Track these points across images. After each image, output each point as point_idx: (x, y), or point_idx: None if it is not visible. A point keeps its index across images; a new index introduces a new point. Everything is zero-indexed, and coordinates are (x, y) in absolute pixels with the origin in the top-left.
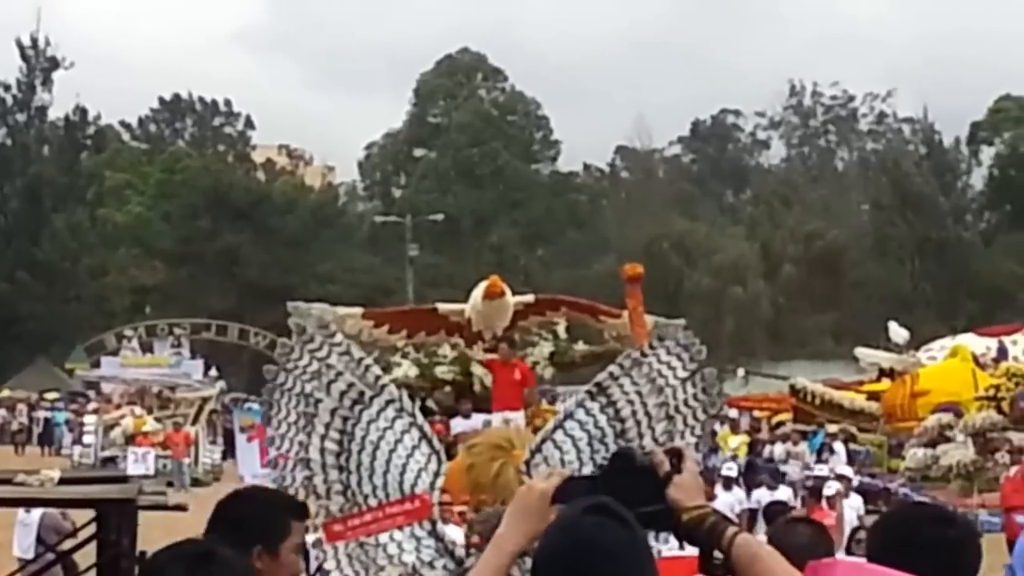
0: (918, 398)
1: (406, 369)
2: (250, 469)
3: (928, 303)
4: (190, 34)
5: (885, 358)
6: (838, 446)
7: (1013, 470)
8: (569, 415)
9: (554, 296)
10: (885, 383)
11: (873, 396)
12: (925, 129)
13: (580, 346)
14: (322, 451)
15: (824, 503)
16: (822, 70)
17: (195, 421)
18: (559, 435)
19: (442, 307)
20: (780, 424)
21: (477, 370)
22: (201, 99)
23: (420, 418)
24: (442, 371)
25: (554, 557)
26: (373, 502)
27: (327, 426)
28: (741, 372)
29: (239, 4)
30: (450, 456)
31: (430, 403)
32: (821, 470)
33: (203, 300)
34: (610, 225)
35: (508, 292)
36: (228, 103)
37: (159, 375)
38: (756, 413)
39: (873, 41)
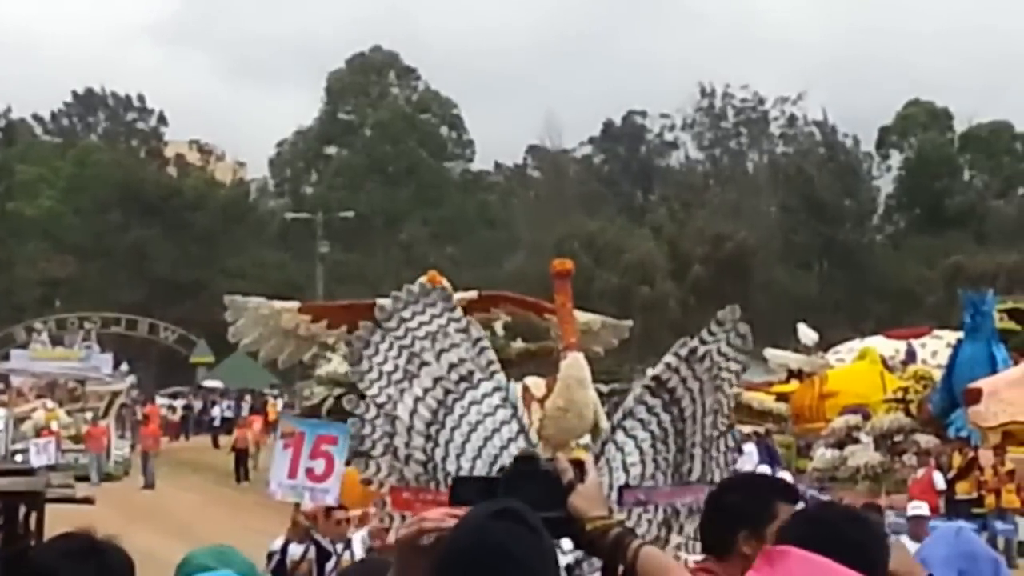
0: (826, 400)
1: (335, 364)
2: (278, 478)
3: (837, 306)
4: (103, 27)
5: (794, 360)
6: (749, 447)
7: (920, 472)
8: (629, 413)
9: (497, 292)
10: (794, 384)
11: (782, 397)
12: (828, 133)
13: (518, 344)
14: (412, 413)
15: None
16: (734, 72)
17: (105, 415)
18: (620, 436)
19: (382, 302)
20: None
21: None
22: (114, 94)
23: (521, 411)
24: None
25: (460, 560)
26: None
27: (425, 391)
28: (588, 372)
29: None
30: None
31: None
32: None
33: (113, 294)
34: (521, 224)
35: (448, 288)
36: (141, 98)
37: (69, 369)
38: None
39: (785, 44)
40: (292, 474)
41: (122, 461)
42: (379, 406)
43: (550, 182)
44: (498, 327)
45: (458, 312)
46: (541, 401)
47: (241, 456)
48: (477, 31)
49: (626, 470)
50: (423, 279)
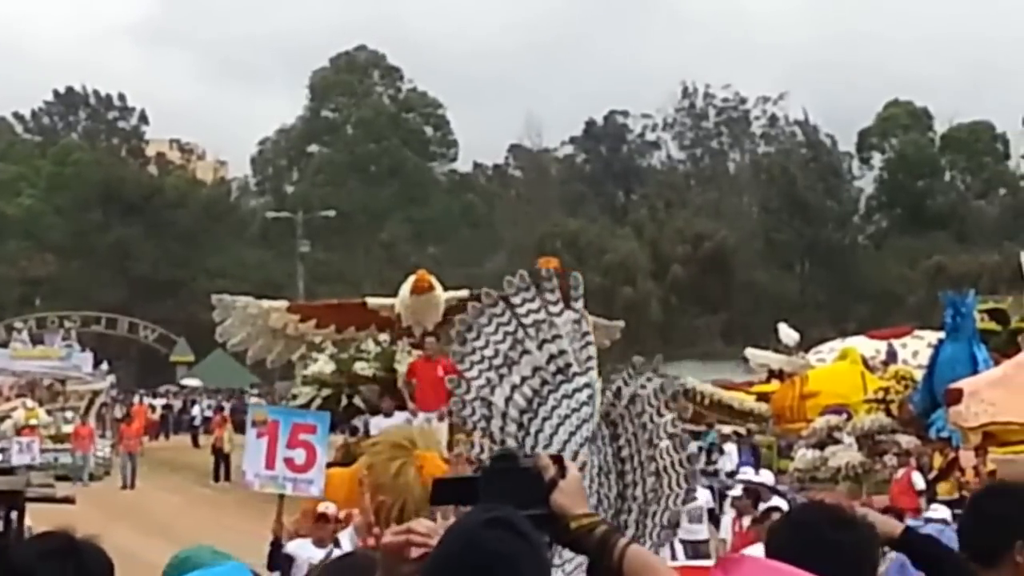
0: (807, 400)
1: (322, 364)
2: (254, 468)
3: (818, 305)
4: (85, 27)
5: (775, 359)
6: (729, 447)
7: (900, 472)
8: (591, 438)
9: (490, 292)
10: (775, 384)
11: (763, 397)
12: (810, 132)
13: None
14: (507, 400)
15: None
16: (715, 72)
17: (86, 414)
18: (599, 442)
19: (372, 301)
20: None
21: (401, 367)
22: (96, 92)
23: (597, 411)
24: (361, 367)
25: (451, 568)
26: None
27: (523, 380)
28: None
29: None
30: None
31: (357, 400)
32: (746, 473)
33: (93, 293)
34: (502, 224)
35: (438, 286)
36: (122, 97)
37: (49, 368)
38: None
39: (766, 45)
40: (270, 464)
41: (103, 461)
42: (478, 389)
43: (532, 182)
44: None
45: (580, 303)
46: None
47: (220, 455)
48: (459, 31)
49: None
50: (413, 277)
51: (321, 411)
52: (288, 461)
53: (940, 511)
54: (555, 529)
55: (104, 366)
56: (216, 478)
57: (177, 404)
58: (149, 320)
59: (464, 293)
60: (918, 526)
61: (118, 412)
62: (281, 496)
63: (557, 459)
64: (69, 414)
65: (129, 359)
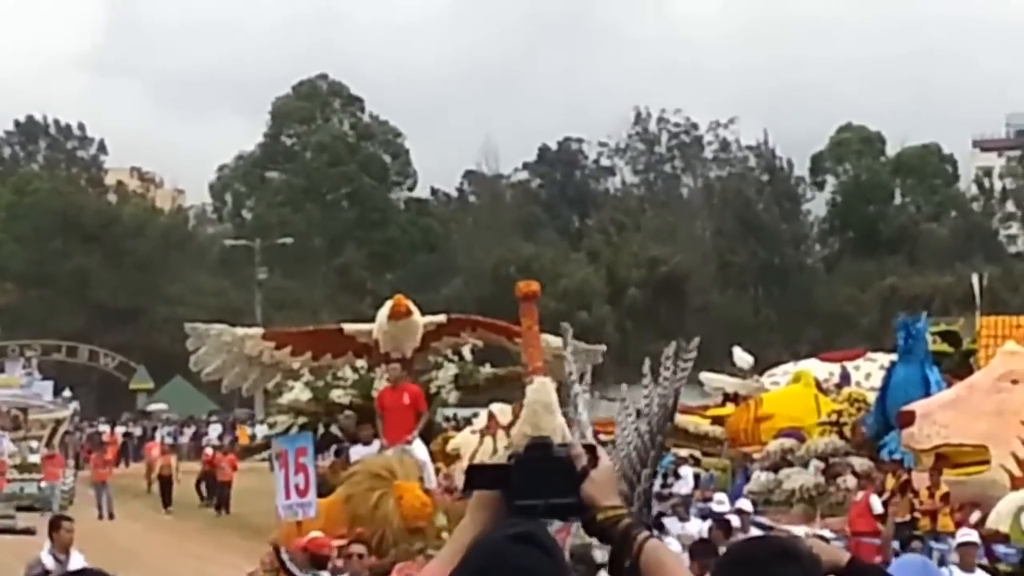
0: (762, 423)
1: (298, 392)
2: (280, 500)
3: (771, 328)
4: (41, 57)
5: (729, 383)
6: (684, 470)
7: (860, 495)
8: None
9: (467, 316)
10: (729, 408)
11: (717, 420)
12: (767, 156)
13: (486, 369)
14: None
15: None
16: (668, 97)
17: (49, 443)
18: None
19: (348, 328)
20: None
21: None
22: (56, 122)
23: None
24: (338, 395)
25: None
26: None
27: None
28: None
29: (80, 27)
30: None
31: (334, 429)
32: (722, 503)
33: (53, 321)
34: (459, 249)
35: (415, 312)
36: (82, 126)
37: (10, 396)
38: (603, 437)
39: (718, 70)
40: (287, 494)
41: (67, 490)
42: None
43: (487, 207)
44: (466, 352)
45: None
46: (507, 428)
47: (166, 484)
48: (416, 59)
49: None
50: (389, 303)
51: (304, 432)
52: (296, 488)
53: (971, 535)
54: (584, 518)
55: (66, 393)
56: (164, 504)
57: (137, 431)
58: (109, 348)
59: (442, 318)
60: (943, 550)
61: (81, 440)
62: (298, 524)
63: (590, 449)
64: (34, 443)
65: (89, 387)
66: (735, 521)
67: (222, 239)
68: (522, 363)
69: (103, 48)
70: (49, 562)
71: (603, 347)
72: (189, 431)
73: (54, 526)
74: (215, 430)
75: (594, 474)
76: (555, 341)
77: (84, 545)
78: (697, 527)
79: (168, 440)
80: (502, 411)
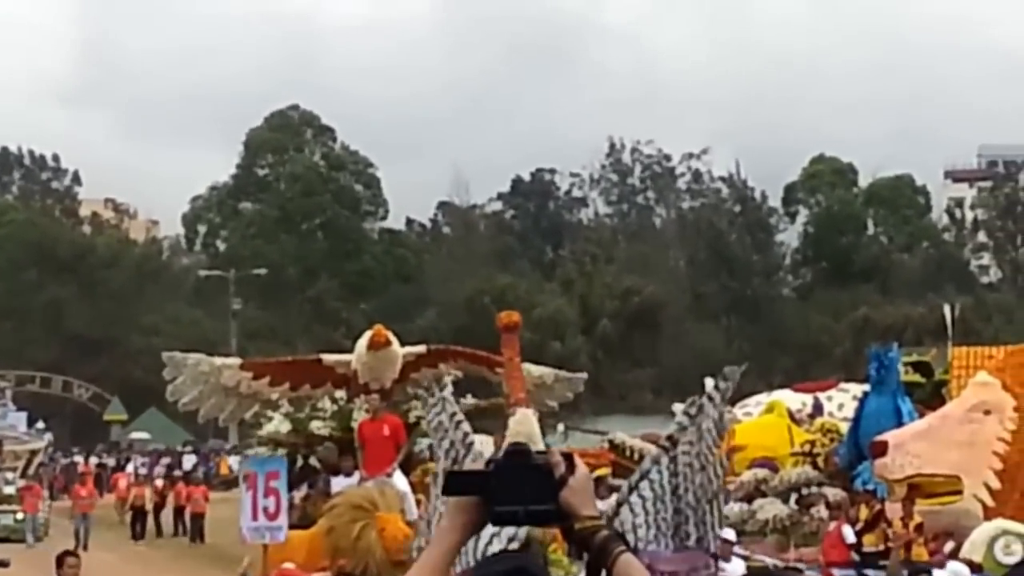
0: (734, 453)
1: (277, 424)
2: (246, 522)
3: (744, 359)
4: (15, 88)
5: None
6: None
7: (832, 526)
8: (644, 475)
9: (447, 347)
10: None
11: None
12: (739, 187)
13: (468, 400)
14: (434, 510)
15: None
16: (640, 129)
17: (24, 474)
18: (635, 498)
19: (327, 358)
20: (600, 479)
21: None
22: (31, 153)
23: None
24: (317, 426)
25: None
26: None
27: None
28: (561, 427)
29: (53, 58)
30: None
31: (313, 461)
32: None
33: (28, 352)
34: (433, 280)
35: (395, 342)
36: (56, 158)
37: None
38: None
39: (690, 101)
40: (255, 515)
41: (43, 521)
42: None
43: (461, 238)
44: (448, 382)
45: (444, 391)
46: None
47: (138, 514)
48: (388, 90)
49: (634, 532)
50: (369, 333)
51: (277, 456)
52: (265, 511)
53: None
54: (562, 526)
55: (40, 425)
56: (133, 536)
57: (111, 462)
58: (83, 379)
59: (422, 348)
60: None
61: (55, 471)
62: (264, 548)
63: (568, 457)
64: (10, 475)
65: (63, 418)
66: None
67: (196, 270)
68: (504, 394)
69: (77, 80)
70: None
71: (584, 375)
72: (164, 462)
73: (59, 562)
74: (189, 460)
75: (572, 482)
76: (536, 371)
77: None
78: None
79: (142, 471)
80: (484, 442)
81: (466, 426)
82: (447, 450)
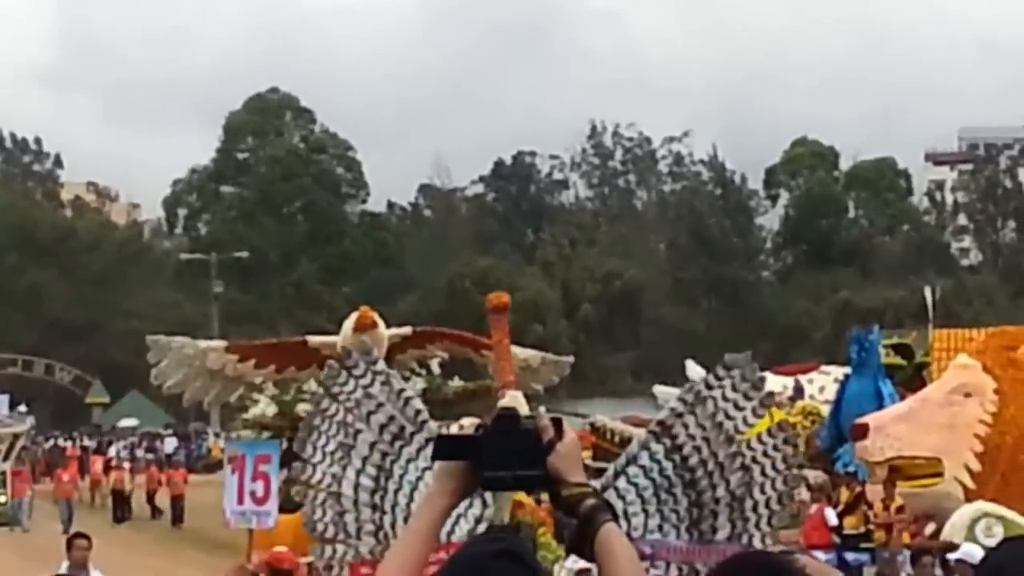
0: None
1: (263, 407)
2: (230, 505)
3: (725, 342)
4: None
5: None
6: None
7: (813, 508)
8: (632, 459)
9: (433, 329)
10: None
11: None
12: (718, 170)
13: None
14: (356, 487)
15: None
16: (622, 112)
17: (6, 457)
18: (622, 482)
19: (313, 340)
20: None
21: None
22: (12, 136)
23: None
24: (303, 409)
25: None
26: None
27: (364, 460)
28: (542, 410)
29: (35, 41)
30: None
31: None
32: None
33: (9, 336)
34: (414, 263)
35: (381, 324)
36: (38, 141)
37: None
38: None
39: (671, 85)
40: (240, 499)
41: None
42: (326, 488)
43: (442, 221)
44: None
45: (380, 364)
46: None
47: (118, 497)
48: (368, 73)
49: (627, 519)
50: (354, 314)
51: (273, 440)
52: (252, 495)
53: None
54: (551, 492)
55: (21, 408)
56: (116, 520)
57: (93, 445)
58: (65, 362)
59: (407, 330)
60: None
61: (37, 454)
62: (250, 532)
63: (557, 422)
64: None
65: (45, 401)
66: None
67: (178, 253)
68: (491, 376)
69: (59, 63)
70: None
71: (571, 359)
72: (146, 444)
73: (69, 544)
74: (171, 443)
75: (560, 447)
76: (522, 353)
77: (42, 561)
78: None
79: (124, 454)
80: (472, 425)
81: (417, 403)
82: (376, 429)
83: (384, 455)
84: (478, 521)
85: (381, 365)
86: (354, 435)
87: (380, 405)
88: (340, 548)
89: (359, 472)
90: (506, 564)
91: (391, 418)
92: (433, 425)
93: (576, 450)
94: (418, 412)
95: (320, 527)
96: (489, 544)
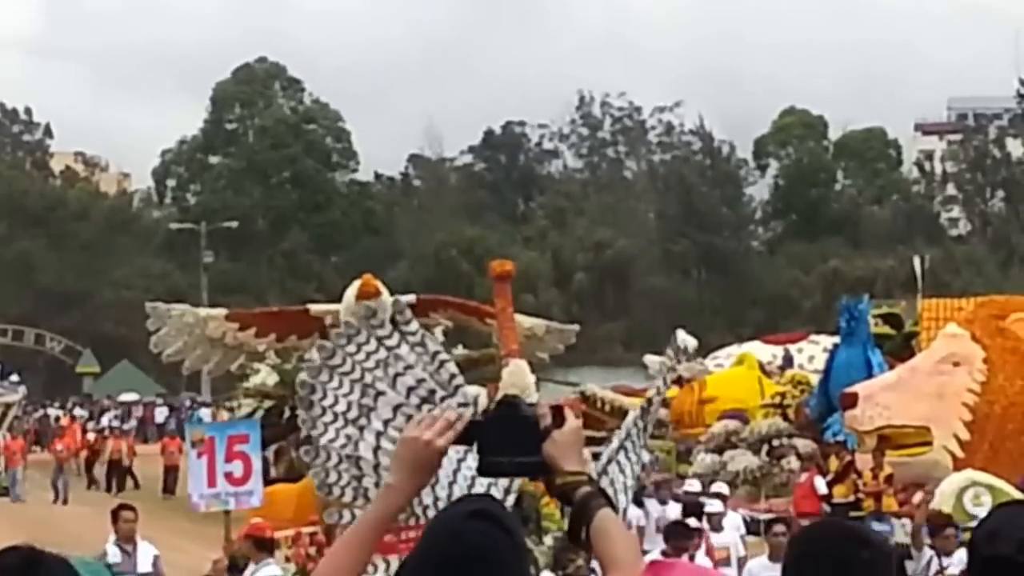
0: (705, 405)
1: (264, 376)
2: (198, 489)
3: (715, 311)
4: None
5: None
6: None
7: (803, 477)
8: (628, 433)
9: (437, 297)
10: (673, 390)
11: (662, 403)
12: (706, 140)
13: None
14: (376, 450)
15: (705, 522)
16: (611, 81)
17: None
18: (622, 456)
19: (314, 308)
20: None
21: None
22: (2, 106)
23: None
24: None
25: (434, 559)
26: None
27: (386, 423)
28: (532, 379)
29: (22, 10)
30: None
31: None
32: (692, 485)
33: None
34: (404, 233)
35: (384, 292)
36: (28, 111)
37: None
38: None
39: (661, 53)
40: (212, 482)
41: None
42: (340, 450)
43: (431, 191)
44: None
45: (413, 325)
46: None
47: (113, 467)
48: (358, 43)
49: (625, 493)
50: (357, 282)
51: (250, 419)
52: (228, 476)
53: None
54: (547, 479)
55: (13, 378)
56: (109, 488)
57: (84, 414)
58: (55, 332)
59: (411, 298)
60: (886, 531)
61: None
62: (227, 512)
63: (557, 410)
64: None
65: (36, 371)
66: (713, 506)
67: (167, 223)
68: (495, 344)
69: (48, 33)
70: (114, 554)
71: (576, 327)
72: (136, 414)
73: (114, 517)
74: (161, 413)
75: (557, 435)
76: (527, 322)
77: (33, 531)
78: (675, 511)
79: (115, 424)
80: (477, 394)
81: (452, 367)
82: (413, 389)
83: (409, 419)
84: (507, 492)
85: (415, 326)
86: (375, 396)
87: (409, 367)
88: (359, 513)
89: (379, 435)
90: (479, 523)
91: (420, 381)
92: (468, 390)
93: (575, 439)
94: (453, 376)
95: (337, 491)
96: (464, 505)
